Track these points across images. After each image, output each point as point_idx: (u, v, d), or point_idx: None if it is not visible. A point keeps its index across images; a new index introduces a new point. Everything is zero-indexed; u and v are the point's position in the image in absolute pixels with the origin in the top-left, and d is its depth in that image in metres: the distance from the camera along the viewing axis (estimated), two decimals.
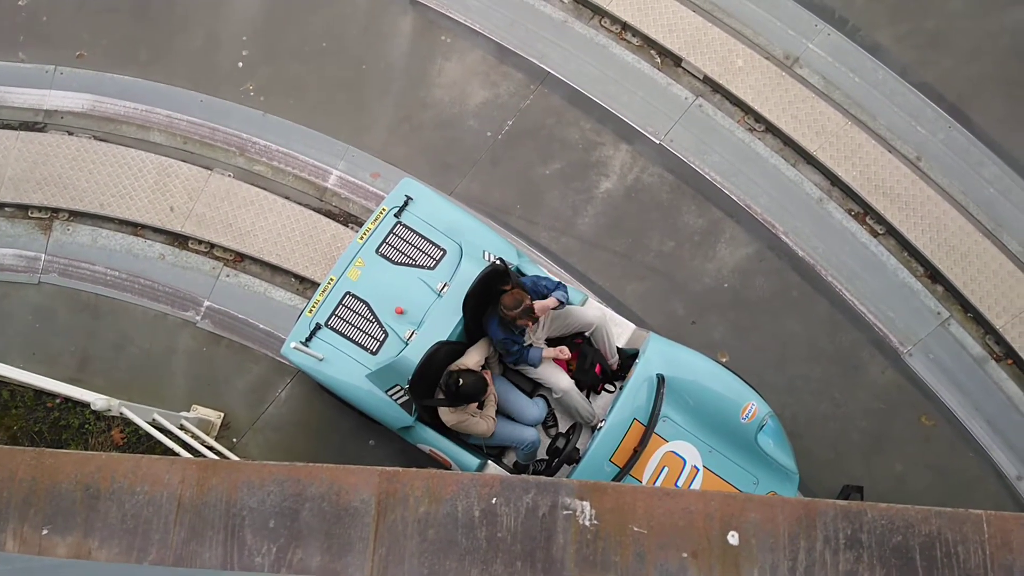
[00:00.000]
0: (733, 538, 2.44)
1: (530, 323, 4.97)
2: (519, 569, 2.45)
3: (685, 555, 2.42)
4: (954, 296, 6.12)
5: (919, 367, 6.00)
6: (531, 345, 5.24)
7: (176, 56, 6.78)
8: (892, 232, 6.25)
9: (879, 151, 6.34)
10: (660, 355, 5.26)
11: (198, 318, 6.31)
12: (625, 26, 6.72)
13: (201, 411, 6.13)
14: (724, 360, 5.99)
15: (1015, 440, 5.82)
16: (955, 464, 5.82)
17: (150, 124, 6.67)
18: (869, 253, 6.24)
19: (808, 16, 6.64)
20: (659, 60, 6.69)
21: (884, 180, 6.29)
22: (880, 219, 6.26)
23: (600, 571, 2.41)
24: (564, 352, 5.23)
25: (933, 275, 6.17)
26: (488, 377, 5.17)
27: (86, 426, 6.06)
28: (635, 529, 2.44)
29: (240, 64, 6.75)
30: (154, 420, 5.29)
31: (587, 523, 2.47)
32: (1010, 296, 5.98)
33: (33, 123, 6.72)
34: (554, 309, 5.10)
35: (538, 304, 4.99)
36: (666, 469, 5.15)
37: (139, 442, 5.97)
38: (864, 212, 6.32)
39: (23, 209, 6.53)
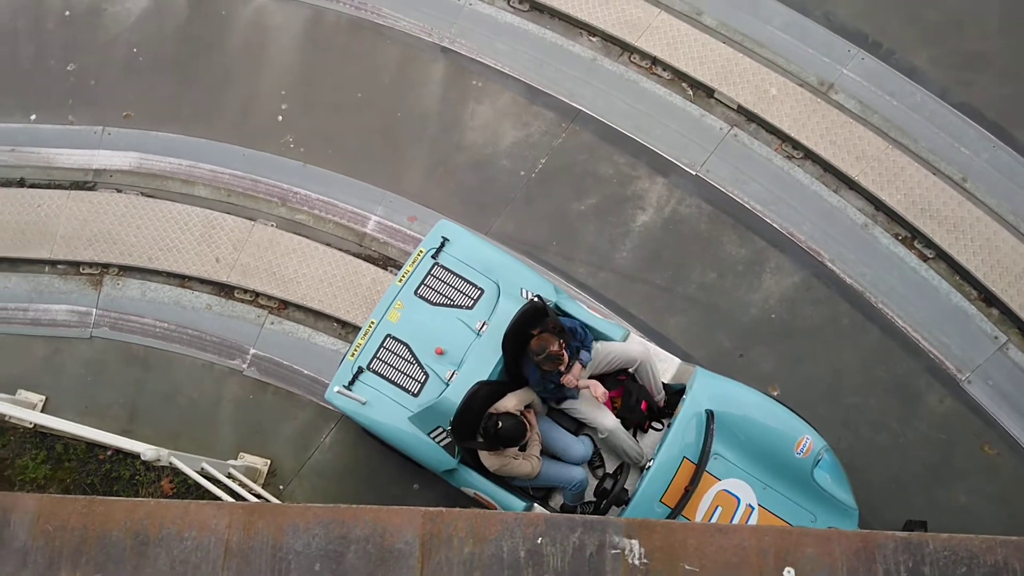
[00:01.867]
0: (790, 574, 2.34)
1: (560, 367, 4.85)
2: None
3: None
4: (1011, 319, 5.90)
5: (979, 394, 5.78)
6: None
7: (218, 112, 7.00)
8: (942, 256, 6.08)
9: (923, 174, 6.21)
10: (708, 390, 5.15)
11: (244, 366, 6.39)
12: (655, 60, 6.75)
13: (248, 459, 6.16)
14: (775, 393, 5.83)
15: None
16: (1022, 494, 5.54)
17: (195, 179, 6.87)
18: (919, 278, 6.07)
19: (840, 42, 6.59)
20: (691, 92, 6.69)
21: (930, 203, 6.15)
22: (929, 243, 6.11)
23: None
24: (599, 389, 5.05)
25: (987, 298, 5.97)
26: (532, 417, 5.12)
27: (136, 477, 6.14)
28: (687, 567, 2.35)
29: (280, 118, 6.94)
30: (202, 469, 5.32)
31: (636, 562, 2.39)
32: None
33: (83, 182, 6.97)
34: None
35: (567, 379, 4.93)
36: (719, 508, 5.00)
37: (188, 491, 6.02)
38: (912, 236, 6.17)
39: (75, 266, 6.74)
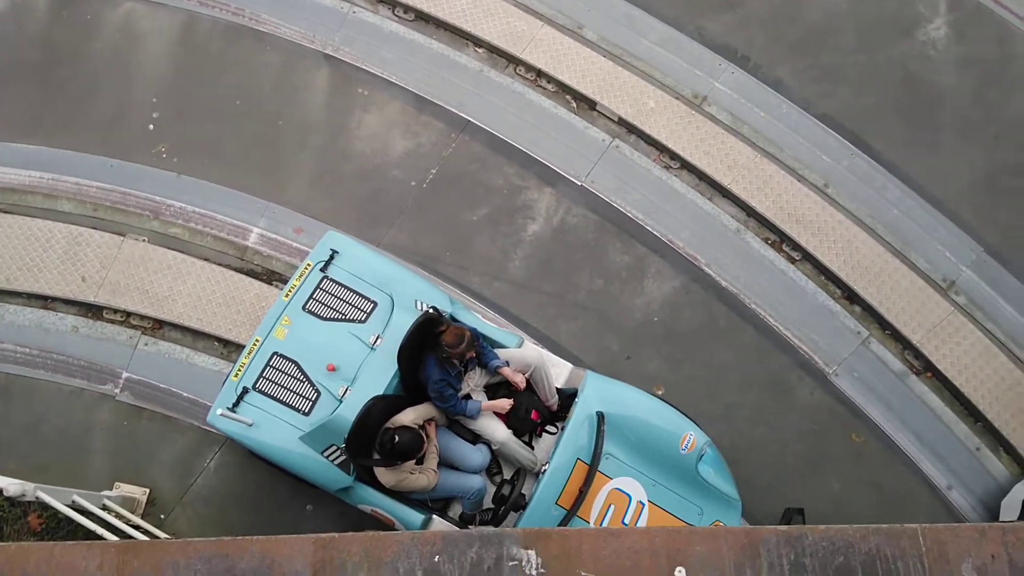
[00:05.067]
0: (680, 574, 2.43)
1: (474, 354, 4.98)
2: None
3: None
4: (871, 315, 6.36)
5: (845, 386, 6.19)
6: (468, 396, 5.18)
7: (83, 122, 6.58)
8: (808, 257, 6.49)
9: (789, 181, 6.61)
10: (598, 393, 5.27)
11: (117, 391, 6.02)
12: (540, 73, 6.87)
13: (125, 488, 5.81)
14: (660, 393, 6.05)
15: (942, 451, 6.04)
16: (888, 479, 5.98)
17: (57, 193, 6.42)
18: (788, 279, 6.45)
19: (711, 56, 6.92)
20: (575, 104, 6.85)
21: (796, 208, 6.54)
22: (796, 246, 6.50)
23: None
24: (504, 406, 5.19)
25: (850, 296, 6.41)
26: (431, 430, 5.07)
27: (0, 514, 5.67)
28: (583, 574, 2.39)
29: (151, 127, 6.59)
30: (74, 502, 4.98)
31: (534, 572, 2.41)
32: (923, 312, 6.25)
33: None
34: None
35: (508, 373, 5.16)
36: (612, 507, 5.13)
37: (59, 527, 5.60)
38: (780, 240, 6.55)
39: None
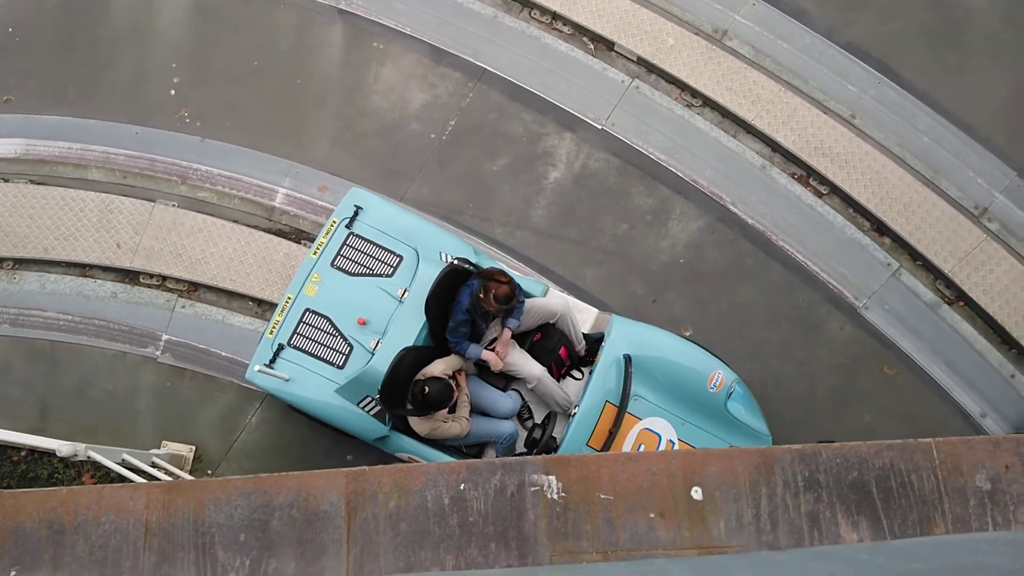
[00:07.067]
0: (697, 493, 2.48)
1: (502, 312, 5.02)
2: (493, 550, 2.47)
3: (652, 515, 2.46)
4: (901, 246, 6.26)
5: (876, 319, 6.13)
6: (473, 342, 5.23)
7: (106, 90, 6.69)
8: (836, 191, 6.38)
9: (814, 113, 6.47)
10: (625, 336, 5.31)
11: (158, 353, 6.22)
12: (555, 16, 6.78)
13: (172, 446, 6.04)
14: (688, 334, 6.06)
15: (975, 379, 5.98)
16: (921, 409, 5.95)
17: (86, 162, 6.57)
18: (816, 214, 6.36)
19: None
20: (592, 46, 6.76)
21: (822, 141, 6.42)
22: (823, 179, 6.39)
23: (572, 541, 2.44)
24: (496, 364, 5.18)
25: (879, 228, 6.31)
26: (461, 379, 5.17)
27: (55, 475, 5.93)
28: (602, 496, 2.47)
29: (172, 92, 6.68)
30: (124, 460, 5.20)
31: (555, 496, 2.49)
32: (954, 240, 6.14)
33: None
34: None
35: (500, 348, 5.15)
36: (643, 446, 5.20)
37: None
38: (807, 174, 6.45)
39: None
